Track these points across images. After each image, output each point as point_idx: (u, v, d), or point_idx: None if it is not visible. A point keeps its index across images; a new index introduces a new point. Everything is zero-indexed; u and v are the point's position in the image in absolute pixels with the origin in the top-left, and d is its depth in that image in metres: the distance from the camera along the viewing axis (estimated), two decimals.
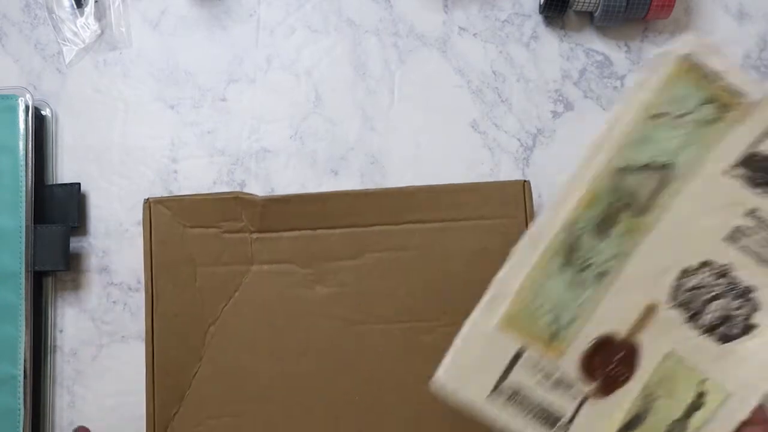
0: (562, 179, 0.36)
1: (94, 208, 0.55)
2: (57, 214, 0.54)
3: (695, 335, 0.36)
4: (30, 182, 0.52)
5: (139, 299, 0.54)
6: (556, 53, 0.56)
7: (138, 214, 0.55)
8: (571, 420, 0.36)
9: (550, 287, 0.36)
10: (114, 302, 0.54)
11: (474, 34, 0.56)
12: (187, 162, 0.55)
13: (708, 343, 0.36)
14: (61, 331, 0.54)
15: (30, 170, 0.52)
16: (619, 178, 0.35)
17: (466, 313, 0.49)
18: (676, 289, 0.36)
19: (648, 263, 0.35)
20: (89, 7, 0.56)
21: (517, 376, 0.36)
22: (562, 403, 0.36)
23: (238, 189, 0.55)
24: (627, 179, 0.35)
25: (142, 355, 0.52)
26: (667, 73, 0.35)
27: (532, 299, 0.36)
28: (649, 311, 0.36)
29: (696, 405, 0.36)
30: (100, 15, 0.57)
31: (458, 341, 0.36)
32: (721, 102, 0.35)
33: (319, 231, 0.50)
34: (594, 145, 0.35)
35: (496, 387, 0.36)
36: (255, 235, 0.50)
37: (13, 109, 0.52)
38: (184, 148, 0.56)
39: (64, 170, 0.56)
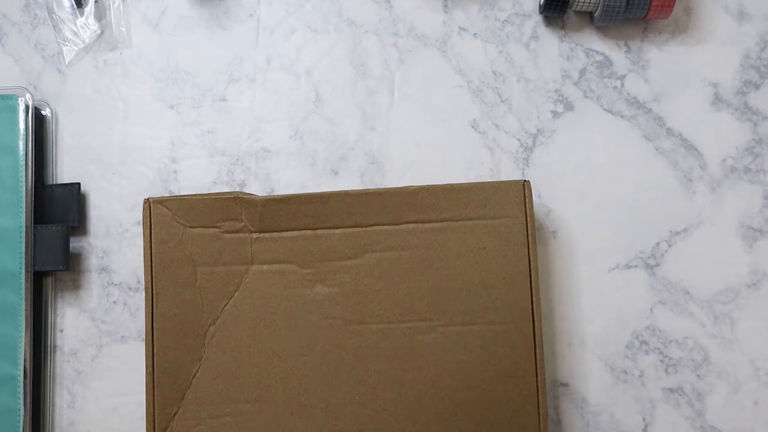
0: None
1: (94, 208, 0.55)
2: (57, 214, 0.54)
3: None
4: (30, 182, 0.52)
5: (139, 299, 0.54)
6: (556, 53, 0.56)
7: (138, 214, 0.55)
8: None
9: None
10: (114, 302, 0.54)
11: (474, 34, 0.56)
12: (187, 162, 0.55)
13: None
14: (61, 331, 0.54)
15: (30, 170, 0.52)
16: None
17: (466, 313, 0.49)
18: None
19: None
20: (89, 7, 0.56)
21: None
22: None
23: (238, 189, 0.55)
24: None
25: (142, 355, 0.52)
26: None
27: None
28: None
29: None
30: (100, 15, 0.57)
31: None
32: None
33: (319, 231, 0.50)
34: None
35: None
36: (255, 235, 0.50)
37: (13, 109, 0.52)
38: (184, 148, 0.56)
39: (64, 170, 0.56)
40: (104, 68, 0.57)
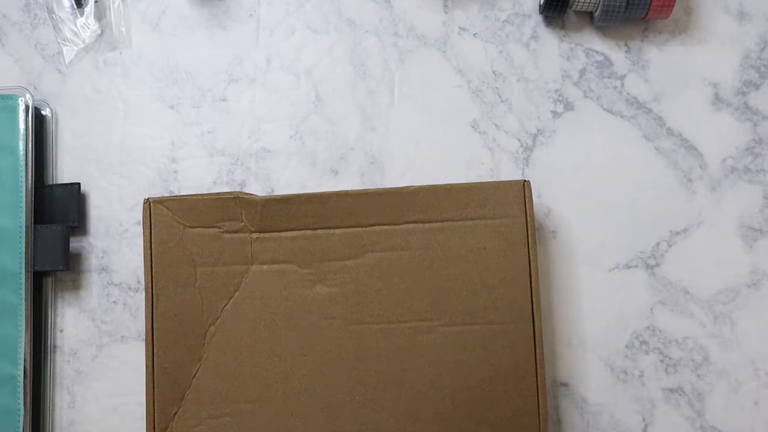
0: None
1: (94, 208, 0.55)
2: (57, 214, 0.54)
3: None
4: (30, 182, 0.52)
5: (139, 299, 0.54)
6: (556, 53, 0.56)
7: (138, 214, 0.55)
8: None
9: None
10: (114, 302, 0.54)
11: (474, 34, 0.56)
12: (187, 162, 0.55)
13: None
14: (61, 331, 0.54)
15: (30, 170, 0.52)
16: None
17: (466, 313, 0.49)
18: None
19: None
20: (89, 7, 0.56)
21: None
22: None
23: (238, 189, 0.55)
24: None
25: (142, 355, 0.52)
26: None
27: None
28: None
29: None
30: (100, 15, 0.57)
31: None
32: None
33: (319, 231, 0.50)
34: None
35: None
36: (255, 235, 0.50)
37: (13, 109, 0.52)
38: (184, 148, 0.56)
39: (64, 170, 0.56)
40: (104, 68, 0.57)
